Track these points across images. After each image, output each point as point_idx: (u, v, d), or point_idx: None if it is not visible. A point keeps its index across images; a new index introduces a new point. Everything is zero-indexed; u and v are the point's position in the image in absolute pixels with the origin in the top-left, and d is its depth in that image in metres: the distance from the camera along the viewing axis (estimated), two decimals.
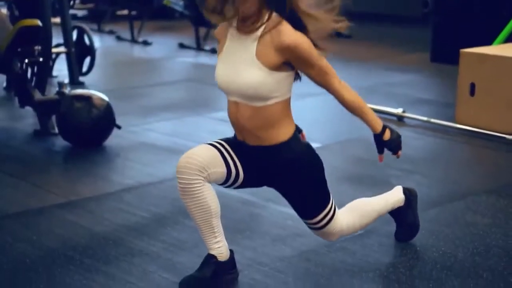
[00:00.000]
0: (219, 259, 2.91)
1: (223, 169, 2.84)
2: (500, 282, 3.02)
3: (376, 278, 3.06)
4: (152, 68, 7.79)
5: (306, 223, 3.04)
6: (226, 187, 2.94)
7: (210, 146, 2.86)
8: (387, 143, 2.97)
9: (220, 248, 2.92)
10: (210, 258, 2.91)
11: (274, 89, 2.74)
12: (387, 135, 2.96)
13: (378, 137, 2.97)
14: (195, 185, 2.78)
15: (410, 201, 3.35)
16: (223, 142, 2.91)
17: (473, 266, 3.16)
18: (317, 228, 3.01)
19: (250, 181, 2.94)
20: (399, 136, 3.01)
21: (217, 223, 2.88)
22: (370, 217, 3.20)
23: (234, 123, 2.86)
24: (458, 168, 4.56)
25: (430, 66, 7.81)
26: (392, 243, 3.39)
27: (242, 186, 2.96)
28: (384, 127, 2.96)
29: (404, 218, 3.35)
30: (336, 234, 3.07)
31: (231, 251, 2.99)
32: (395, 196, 3.31)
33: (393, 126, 5.36)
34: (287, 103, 2.83)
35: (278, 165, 2.87)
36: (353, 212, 3.14)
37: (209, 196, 2.82)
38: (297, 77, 2.85)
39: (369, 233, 3.49)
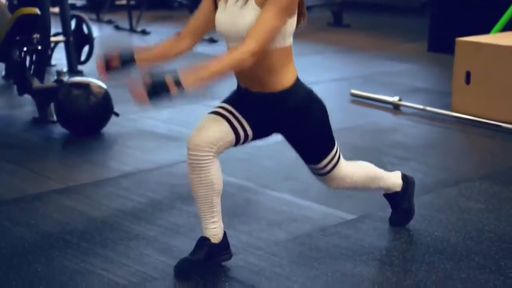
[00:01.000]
0: (212, 241, 2.96)
1: (232, 137, 2.90)
2: (492, 265, 3.07)
3: (369, 262, 3.10)
4: None
5: (311, 168, 3.08)
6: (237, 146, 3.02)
7: (216, 116, 2.91)
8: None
9: (215, 229, 2.96)
10: (204, 241, 2.96)
11: None
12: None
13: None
14: (205, 161, 2.86)
15: (407, 188, 3.39)
16: (227, 106, 2.94)
17: (465, 250, 3.21)
18: (323, 174, 3.07)
19: (260, 134, 3.00)
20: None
21: (217, 202, 2.95)
22: (371, 180, 3.26)
23: (237, 70, 2.87)
24: (452, 155, 4.60)
25: (427, 55, 7.84)
26: (386, 228, 3.44)
27: (254, 140, 3.01)
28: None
29: (399, 203, 3.39)
30: (340, 180, 3.12)
31: (224, 232, 3.03)
32: (394, 178, 3.36)
33: (389, 114, 5.49)
34: (288, 50, 2.86)
35: (284, 111, 2.90)
36: (359, 167, 3.23)
37: (215, 174, 2.90)
38: (297, 24, 2.88)
39: (363, 218, 3.54)
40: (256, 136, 3.00)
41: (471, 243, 3.28)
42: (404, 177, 3.41)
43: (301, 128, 2.94)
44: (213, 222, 2.96)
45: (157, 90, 2.64)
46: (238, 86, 2.99)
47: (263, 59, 2.78)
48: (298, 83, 2.91)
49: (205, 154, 2.85)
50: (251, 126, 2.94)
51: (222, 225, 3.00)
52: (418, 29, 8.99)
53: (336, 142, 3.06)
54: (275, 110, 2.91)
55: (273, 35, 2.75)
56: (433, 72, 7.18)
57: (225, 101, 2.99)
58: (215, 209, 2.95)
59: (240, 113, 2.94)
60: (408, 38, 8.92)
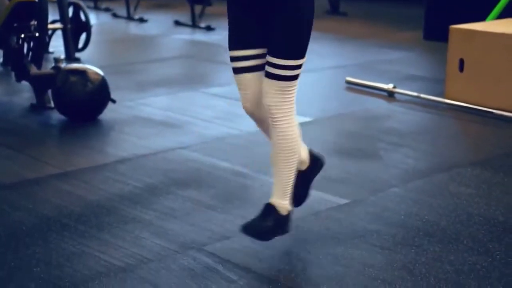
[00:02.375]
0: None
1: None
2: (480, 247, 3.13)
3: (360, 244, 3.17)
4: (147, 45, 7.86)
5: (273, 65, 2.89)
6: None
7: (243, 75, 2.97)
8: None
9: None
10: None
11: None
12: None
13: None
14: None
15: (285, 224, 3.11)
16: (240, 52, 2.95)
17: (455, 233, 3.28)
18: (279, 77, 2.88)
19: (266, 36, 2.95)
20: None
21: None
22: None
23: None
24: (445, 142, 4.66)
25: (423, 43, 7.89)
26: (378, 212, 3.50)
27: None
28: None
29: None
30: (284, 125, 2.95)
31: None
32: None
33: (383, 101, 5.55)
34: None
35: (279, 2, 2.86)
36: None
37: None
38: None
39: (356, 202, 3.61)
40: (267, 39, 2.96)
41: (460, 226, 3.35)
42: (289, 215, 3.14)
43: (286, 17, 2.85)
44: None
45: None
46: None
47: None
48: None
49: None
50: (264, 40, 2.93)
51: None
52: (415, 18, 9.03)
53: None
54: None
55: None
56: (428, 60, 7.23)
57: (235, 37, 2.98)
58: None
59: (250, 38, 2.94)
60: (404, 26, 8.97)
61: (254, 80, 2.98)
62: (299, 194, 3.29)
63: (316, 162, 3.35)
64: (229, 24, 3.01)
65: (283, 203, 3.04)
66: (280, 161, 3.00)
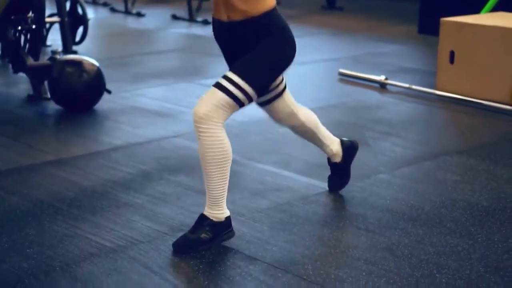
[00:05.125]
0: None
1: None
2: (462, 231, 3.22)
3: (346, 227, 3.25)
4: (145, 39, 7.95)
5: (224, 77, 2.96)
6: None
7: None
8: None
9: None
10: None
11: None
12: None
13: None
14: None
15: (222, 231, 3.10)
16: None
17: (438, 217, 3.36)
18: (223, 89, 2.93)
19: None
20: None
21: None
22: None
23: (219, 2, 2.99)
24: (433, 131, 4.74)
25: (417, 37, 7.96)
26: (364, 197, 3.58)
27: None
28: None
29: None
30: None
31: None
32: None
33: (375, 93, 5.62)
34: None
35: (258, 31, 2.97)
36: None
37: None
38: None
39: (343, 188, 3.68)
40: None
41: (444, 211, 3.43)
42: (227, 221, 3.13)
43: (259, 44, 2.96)
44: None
45: None
46: (219, 25, 3.07)
47: None
48: (277, 11, 3.01)
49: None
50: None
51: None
52: (410, 12, 9.11)
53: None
54: (253, 31, 2.97)
55: None
56: (421, 53, 7.31)
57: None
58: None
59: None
60: (399, 20, 9.05)
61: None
62: (341, 182, 3.59)
63: (349, 151, 3.57)
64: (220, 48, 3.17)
65: (214, 212, 3.03)
66: (206, 171, 2.98)
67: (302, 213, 3.39)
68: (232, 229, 3.09)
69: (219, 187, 3.00)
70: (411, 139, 4.50)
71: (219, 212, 3.04)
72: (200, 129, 2.92)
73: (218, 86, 2.95)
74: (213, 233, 3.02)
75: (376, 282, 2.77)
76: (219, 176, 2.98)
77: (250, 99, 2.98)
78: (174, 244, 3.01)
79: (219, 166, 2.97)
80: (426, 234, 3.18)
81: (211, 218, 3.02)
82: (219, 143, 2.94)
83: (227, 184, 3.02)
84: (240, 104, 2.96)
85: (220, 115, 2.92)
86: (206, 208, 3.05)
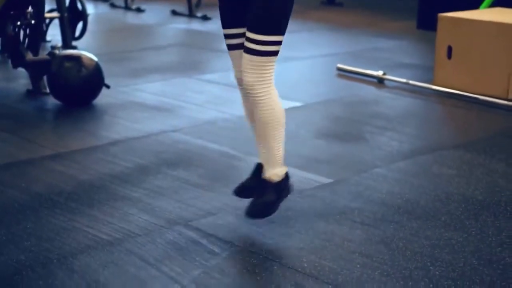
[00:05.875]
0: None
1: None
2: (457, 224, 3.24)
3: (342, 221, 3.28)
4: (144, 34, 7.97)
5: (250, 41, 2.98)
6: None
7: (234, 52, 3.15)
8: None
9: None
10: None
11: None
12: None
13: None
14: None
15: (285, 187, 3.22)
16: (231, 30, 3.11)
17: (433, 210, 3.38)
18: (256, 53, 2.98)
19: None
20: None
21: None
22: (280, 130, 3.14)
23: None
24: (430, 126, 4.77)
25: (416, 32, 7.99)
26: (360, 191, 3.60)
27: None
28: None
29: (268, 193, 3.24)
30: (266, 100, 3.03)
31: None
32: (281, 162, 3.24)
33: (373, 88, 5.65)
34: None
35: None
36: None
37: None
38: None
39: (339, 182, 3.71)
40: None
41: (439, 204, 3.45)
42: (285, 179, 3.23)
43: None
44: None
45: None
46: None
47: None
48: None
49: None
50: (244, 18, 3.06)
51: None
52: (409, 8, 9.13)
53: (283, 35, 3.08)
54: None
55: None
56: (419, 48, 7.33)
57: (224, 24, 3.16)
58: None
59: (238, 21, 3.10)
60: (398, 16, 9.07)
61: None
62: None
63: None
64: (219, 2, 3.16)
65: (275, 172, 3.16)
66: (267, 134, 3.11)
67: (298, 206, 3.42)
68: (290, 181, 3.24)
69: (279, 145, 3.14)
70: (408, 134, 4.53)
71: (281, 169, 3.17)
72: (255, 95, 3.03)
73: (249, 51, 3.00)
74: (277, 193, 3.16)
75: (370, 274, 2.80)
76: (279, 135, 3.12)
77: (280, 43, 3.05)
78: (248, 213, 3.15)
79: (278, 125, 3.09)
80: (421, 227, 3.20)
81: (274, 179, 3.15)
82: (274, 103, 3.06)
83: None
84: (276, 53, 3.05)
85: (266, 73, 3.02)
86: (266, 172, 3.17)
